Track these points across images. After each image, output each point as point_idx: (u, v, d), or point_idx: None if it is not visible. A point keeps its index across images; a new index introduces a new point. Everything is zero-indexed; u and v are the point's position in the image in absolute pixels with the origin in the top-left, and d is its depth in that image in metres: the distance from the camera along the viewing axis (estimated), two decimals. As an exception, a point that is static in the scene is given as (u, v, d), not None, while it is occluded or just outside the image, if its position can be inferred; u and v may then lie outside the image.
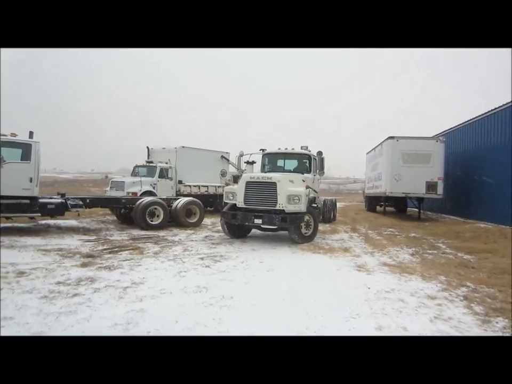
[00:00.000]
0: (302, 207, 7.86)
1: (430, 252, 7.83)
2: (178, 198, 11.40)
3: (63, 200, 8.87)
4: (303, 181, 8.55)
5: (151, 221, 10.24)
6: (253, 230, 9.69)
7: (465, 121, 14.84)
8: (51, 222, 10.07)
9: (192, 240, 8.67)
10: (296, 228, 8.09)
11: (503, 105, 11.57)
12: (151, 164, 14.43)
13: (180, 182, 14.93)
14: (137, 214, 9.96)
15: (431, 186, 13.61)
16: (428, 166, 13.63)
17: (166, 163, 14.69)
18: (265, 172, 9.30)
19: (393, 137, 14.16)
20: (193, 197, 11.99)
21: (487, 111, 12.69)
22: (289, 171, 9.26)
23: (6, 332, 3.16)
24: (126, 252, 6.95)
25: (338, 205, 15.46)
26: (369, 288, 4.87)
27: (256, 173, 9.09)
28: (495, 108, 12.11)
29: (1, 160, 7.79)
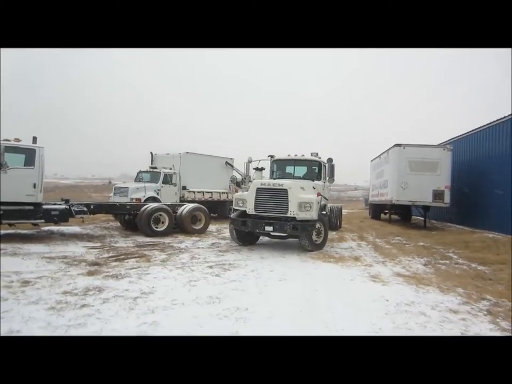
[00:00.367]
0: (313, 214, 7.71)
1: (443, 262, 7.64)
2: (183, 204, 11.24)
3: (67, 206, 8.70)
4: (314, 188, 8.42)
5: (156, 228, 10.07)
6: (260, 237, 9.52)
7: (472, 130, 14.76)
8: (54, 228, 9.88)
9: (198, 248, 8.49)
10: (307, 235, 7.93)
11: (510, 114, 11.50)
12: (155, 170, 14.30)
13: (184, 188, 14.79)
14: (142, 221, 9.78)
15: (438, 195, 13.46)
16: (434, 174, 13.49)
17: (170, 169, 14.56)
18: (274, 179, 9.17)
19: (400, 144, 14.06)
20: (198, 203, 11.84)
21: (494, 120, 12.62)
22: (299, 178, 9.13)
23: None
24: (133, 259, 6.77)
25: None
26: (387, 300, 4.69)
27: (267, 180, 8.95)
28: (503, 117, 12.04)
29: (4, 165, 7.65)
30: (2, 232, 8.46)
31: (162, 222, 10.23)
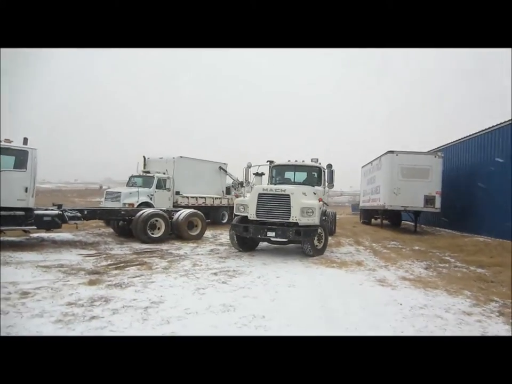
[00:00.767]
0: (316, 220, 7.69)
1: (442, 265, 7.76)
2: (179, 210, 11.00)
3: (60, 212, 8.33)
4: (315, 193, 8.43)
5: (152, 234, 9.78)
6: (259, 243, 9.41)
7: (463, 137, 15.18)
8: (44, 235, 9.45)
9: (198, 254, 8.30)
10: (309, 240, 7.90)
11: (501, 123, 11.93)
12: (148, 174, 14.00)
13: (178, 193, 14.52)
14: (138, 226, 9.49)
15: (429, 200, 13.76)
16: (426, 181, 13.80)
17: (164, 173, 14.28)
18: (274, 184, 9.11)
19: (393, 151, 14.32)
20: (191, 209, 11.60)
21: (484, 128, 13.06)
22: (299, 183, 9.10)
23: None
24: (133, 267, 6.52)
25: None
26: (401, 304, 4.68)
27: (269, 185, 8.87)
28: (492, 126, 12.48)
29: None
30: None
31: (159, 228, 9.95)
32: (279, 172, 9.54)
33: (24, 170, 7.71)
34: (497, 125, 12.30)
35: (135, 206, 12.07)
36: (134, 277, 5.74)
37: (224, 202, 16.88)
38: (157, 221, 9.93)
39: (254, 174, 9.21)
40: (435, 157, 14.10)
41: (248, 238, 8.36)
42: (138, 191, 12.72)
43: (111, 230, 11.45)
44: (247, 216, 8.10)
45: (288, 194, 7.74)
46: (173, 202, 14.18)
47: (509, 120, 11.59)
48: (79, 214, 8.64)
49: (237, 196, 9.14)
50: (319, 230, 8.09)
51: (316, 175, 9.32)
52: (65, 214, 8.37)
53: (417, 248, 10.45)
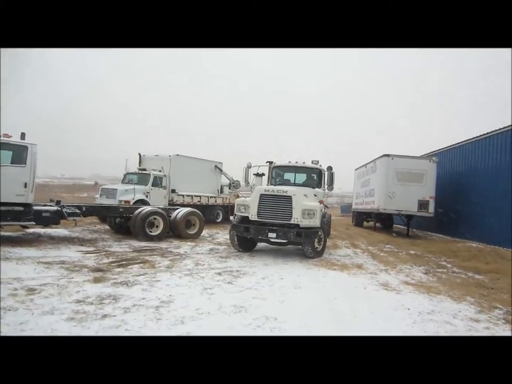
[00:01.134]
0: (317, 222, 7.74)
1: (440, 270, 7.90)
2: (177, 208, 10.92)
3: (59, 208, 8.16)
4: (315, 195, 8.48)
5: (150, 232, 9.68)
6: (257, 244, 9.42)
7: (458, 143, 15.48)
8: (41, 231, 9.23)
9: (198, 253, 8.26)
10: (310, 242, 7.94)
11: (496, 130, 12.22)
12: (144, 172, 13.84)
13: (173, 191, 14.40)
14: (137, 224, 9.38)
15: (423, 205, 14.00)
16: (420, 185, 14.04)
17: (160, 171, 14.14)
18: (274, 185, 9.12)
19: (389, 155, 14.53)
20: (186, 207, 11.50)
21: (479, 134, 13.36)
22: (299, 185, 9.14)
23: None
24: (136, 265, 6.45)
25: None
26: (408, 309, 4.76)
27: (270, 186, 8.88)
28: (487, 133, 12.77)
29: None
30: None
31: (157, 226, 9.86)
32: (279, 172, 9.56)
33: (24, 165, 7.53)
34: (488, 132, 12.62)
35: (131, 204, 11.92)
36: (138, 275, 5.68)
37: (219, 201, 16.83)
38: (155, 219, 9.84)
39: (254, 174, 9.21)
40: (430, 161, 14.35)
41: (248, 238, 8.35)
42: (134, 188, 12.56)
43: (107, 227, 11.29)
44: (247, 217, 8.10)
45: (290, 196, 7.77)
46: (169, 201, 14.07)
47: (500, 128, 11.91)
48: (77, 211, 8.48)
49: (237, 196, 9.09)
50: (319, 232, 8.15)
51: (316, 177, 9.38)
52: (64, 210, 8.20)
53: (412, 252, 10.61)
